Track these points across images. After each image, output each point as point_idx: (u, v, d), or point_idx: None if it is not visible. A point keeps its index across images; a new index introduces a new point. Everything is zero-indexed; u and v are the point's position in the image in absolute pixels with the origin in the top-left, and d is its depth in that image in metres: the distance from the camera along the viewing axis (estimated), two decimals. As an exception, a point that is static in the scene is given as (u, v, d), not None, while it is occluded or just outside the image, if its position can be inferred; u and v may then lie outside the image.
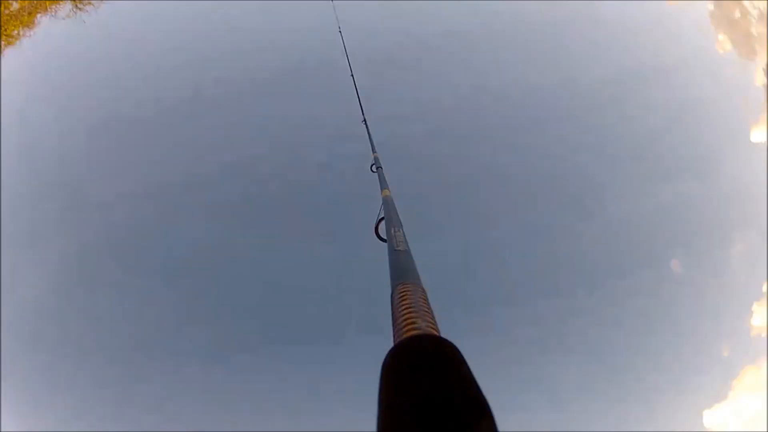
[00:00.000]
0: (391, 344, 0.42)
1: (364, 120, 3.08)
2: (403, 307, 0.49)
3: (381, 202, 1.07)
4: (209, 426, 12.80)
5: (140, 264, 14.63)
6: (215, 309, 15.62)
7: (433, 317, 0.47)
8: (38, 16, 13.57)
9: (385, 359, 0.39)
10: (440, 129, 18.17)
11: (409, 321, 0.46)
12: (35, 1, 13.40)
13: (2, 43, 12.12)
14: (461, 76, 18.49)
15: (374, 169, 1.16)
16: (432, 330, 0.44)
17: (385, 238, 0.76)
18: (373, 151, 1.99)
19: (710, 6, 19.17)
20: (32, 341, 12.22)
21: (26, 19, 13.10)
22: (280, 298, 15.83)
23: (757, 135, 17.50)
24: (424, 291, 0.55)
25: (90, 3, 14.31)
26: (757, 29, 18.09)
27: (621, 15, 18.26)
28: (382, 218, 0.86)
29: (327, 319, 16.82)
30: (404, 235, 0.78)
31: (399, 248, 0.71)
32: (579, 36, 19.20)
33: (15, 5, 12.62)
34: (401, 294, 0.53)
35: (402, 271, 0.62)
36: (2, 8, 11.80)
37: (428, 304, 0.51)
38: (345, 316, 16.74)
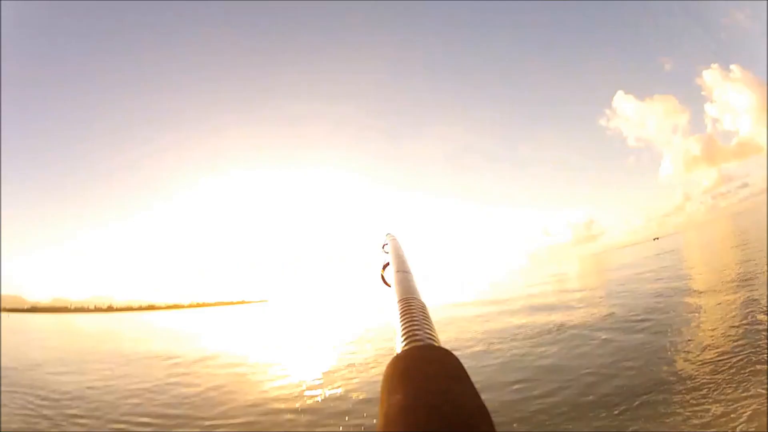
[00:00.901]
0: (393, 354, 0.45)
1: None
2: (406, 320, 0.52)
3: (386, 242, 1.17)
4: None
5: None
6: None
7: (433, 329, 0.50)
8: None
9: (387, 368, 0.42)
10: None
11: (410, 332, 0.48)
12: None
13: None
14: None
15: (386, 250, 1.19)
16: (432, 341, 0.47)
17: (388, 282, 0.80)
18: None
19: None
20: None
21: None
22: None
23: None
24: (424, 305, 0.58)
25: None
26: None
27: None
28: (387, 264, 0.92)
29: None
30: (406, 260, 0.87)
31: (401, 270, 0.78)
32: None
33: None
34: (403, 308, 0.56)
35: (404, 289, 0.66)
36: None
37: (429, 317, 0.54)
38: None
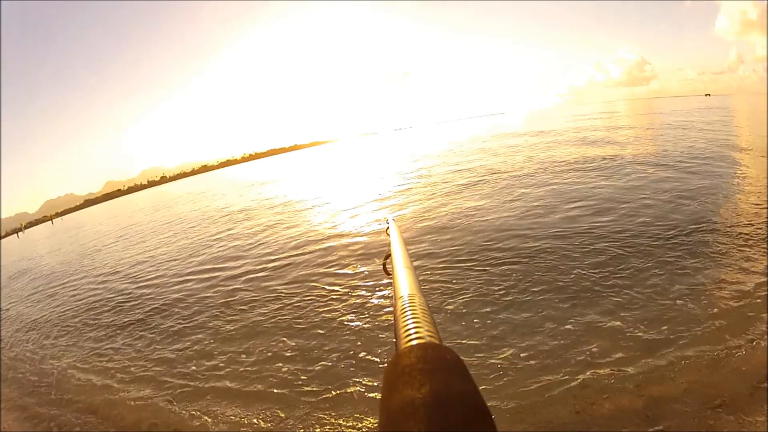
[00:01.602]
0: (393, 352, 0.44)
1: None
2: (406, 318, 0.51)
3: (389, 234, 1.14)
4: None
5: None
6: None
7: (434, 326, 0.49)
8: None
9: (388, 366, 0.41)
10: None
11: (411, 330, 0.47)
12: None
13: None
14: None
15: (388, 233, 1.20)
16: (433, 339, 0.46)
17: (390, 272, 0.79)
18: None
19: None
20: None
21: None
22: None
23: None
24: (425, 302, 0.57)
25: None
26: None
27: None
28: (389, 255, 0.91)
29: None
30: (408, 256, 0.84)
31: (401, 266, 0.77)
32: None
33: None
34: (404, 306, 0.55)
35: (405, 286, 0.65)
36: None
37: (429, 314, 0.53)
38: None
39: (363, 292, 5.47)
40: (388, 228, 1.21)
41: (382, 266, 0.94)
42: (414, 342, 0.45)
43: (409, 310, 0.53)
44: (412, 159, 23.52)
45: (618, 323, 3.92)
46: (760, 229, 5.80)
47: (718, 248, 5.31)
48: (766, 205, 6.72)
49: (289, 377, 3.97)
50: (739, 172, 9.55)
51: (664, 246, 5.48)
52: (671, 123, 25.03)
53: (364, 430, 3.23)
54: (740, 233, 5.67)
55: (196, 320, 5.81)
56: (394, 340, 0.49)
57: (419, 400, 0.36)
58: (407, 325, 0.49)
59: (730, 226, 5.95)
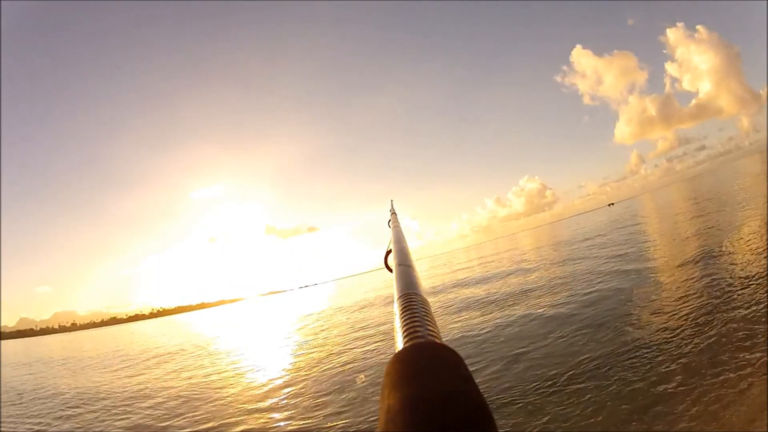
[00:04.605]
0: (394, 351, 0.43)
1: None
2: (407, 316, 0.50)
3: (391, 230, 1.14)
4: None
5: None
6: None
7: (435, 326, 0.49)
8: None
9: (389, 365, 0.40)
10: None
11: (411, 329, 0.47)
12: None
13: None
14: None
15: (390, 225, 1.20)
16: (434, 338, 0.45)
17: (392, 267, 0.77)
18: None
19: None
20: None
21: None
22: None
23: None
24: (426, 301, 0.56)
25: None
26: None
27: None
28: (390, 250, 0.89)
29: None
30: (409, 253, 0.83)
31: (402, 263, 0.75)
32: None
33: None
34: (404, 304, 0.54)
35: (406, 284, 0.63)
36: None
37: (430, 313, 0.52)
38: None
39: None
40: (390, 221, 1.20)
41: (384, 262, 0.89)
42: (415, 341, 0.44)
43: (410, 308, 0.52)
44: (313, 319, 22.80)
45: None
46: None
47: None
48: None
49: None
50: (644, 294, 9.57)
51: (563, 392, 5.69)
52: (573, 253, 23.23)
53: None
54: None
55: None
56: (395, 338, 0.48)
57: (420, 400, 0.37)
58: (408, 323, 0.48)
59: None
